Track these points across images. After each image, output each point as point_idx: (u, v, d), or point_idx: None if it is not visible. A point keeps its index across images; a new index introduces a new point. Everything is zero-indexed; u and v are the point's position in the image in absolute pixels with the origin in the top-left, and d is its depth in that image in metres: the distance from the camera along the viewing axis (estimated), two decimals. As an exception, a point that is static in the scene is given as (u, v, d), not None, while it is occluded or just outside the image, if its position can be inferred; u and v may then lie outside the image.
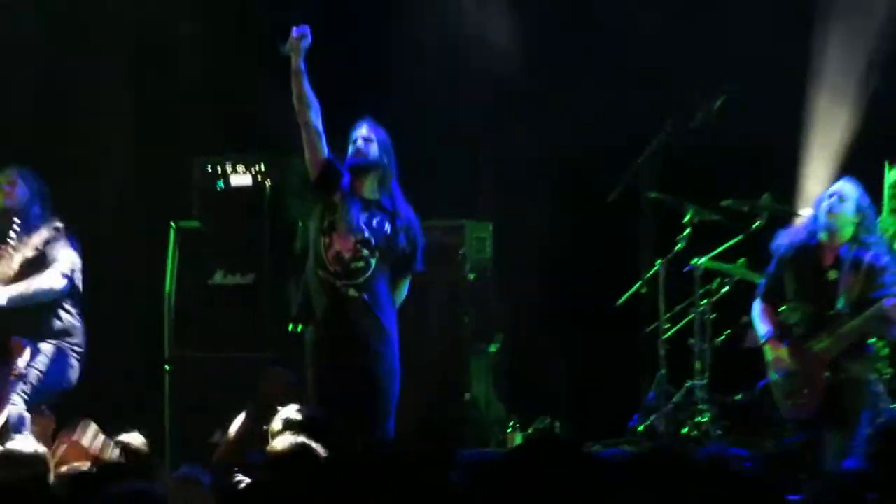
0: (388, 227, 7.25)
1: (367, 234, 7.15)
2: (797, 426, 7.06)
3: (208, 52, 9.07)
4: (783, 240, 7.50)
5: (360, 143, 7.15)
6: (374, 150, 7.14)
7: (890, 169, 8.29)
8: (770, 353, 7.34)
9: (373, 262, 7.18)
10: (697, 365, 8.16)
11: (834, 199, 7.18)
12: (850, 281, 7.19)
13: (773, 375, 7.34)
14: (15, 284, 7.09)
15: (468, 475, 4.56)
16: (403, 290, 7.44)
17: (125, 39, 9.35)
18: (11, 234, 7.18)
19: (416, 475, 4.43)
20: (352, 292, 7.11)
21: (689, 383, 8.20)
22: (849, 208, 7.15)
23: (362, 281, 7.14)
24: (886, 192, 8.27)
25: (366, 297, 7.16)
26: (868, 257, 7.21)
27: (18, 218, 7.16)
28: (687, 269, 8.26)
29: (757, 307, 7.42)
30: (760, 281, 7.57)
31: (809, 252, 7.34)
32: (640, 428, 8.47)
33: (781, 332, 7.29)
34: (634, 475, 4.43)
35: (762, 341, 7.35)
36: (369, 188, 7.17)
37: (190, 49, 9.17)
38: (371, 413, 7.15)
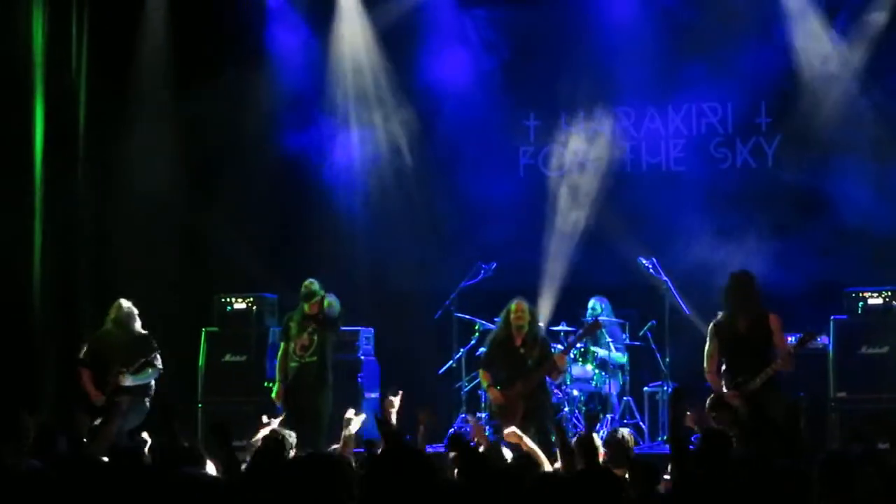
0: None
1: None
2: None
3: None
4: (489, 337, 10.66)
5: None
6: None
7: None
8: (492, 394, 10.45)
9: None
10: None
11: (516, 311, 10.26)
12: (532, 351, 10.21)
13: (494, 408, 10.41)
14: None
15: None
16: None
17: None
18: None
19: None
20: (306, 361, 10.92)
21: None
22: (527, 317, 10.29)
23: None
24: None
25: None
26: (539, 337, 10.33)
27: None
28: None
29: (482, 372, 10.62)
30: (482, 359, 10.69)
31: (506, 339, 10.32)
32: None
33: (495, 382, 10.28)
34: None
35: (487, 388, 10.43)
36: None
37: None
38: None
